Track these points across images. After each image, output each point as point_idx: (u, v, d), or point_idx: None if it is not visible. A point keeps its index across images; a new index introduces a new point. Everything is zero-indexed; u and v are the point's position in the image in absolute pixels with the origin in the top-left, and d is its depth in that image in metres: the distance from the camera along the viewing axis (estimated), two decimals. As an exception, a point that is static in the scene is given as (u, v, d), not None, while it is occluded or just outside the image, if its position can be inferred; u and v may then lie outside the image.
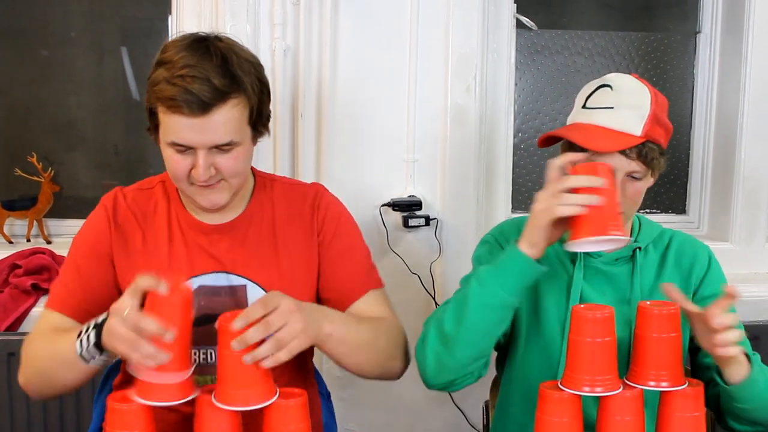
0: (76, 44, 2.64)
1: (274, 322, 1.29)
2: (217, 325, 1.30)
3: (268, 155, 2.34)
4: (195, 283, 1.57)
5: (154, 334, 1.25)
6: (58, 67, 2.63)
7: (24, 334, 2.21)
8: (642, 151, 1.48)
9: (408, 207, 2.36)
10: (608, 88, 1.51)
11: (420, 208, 2.37)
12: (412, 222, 2.36)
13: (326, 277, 1.64)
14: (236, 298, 1.57)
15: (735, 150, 2.57)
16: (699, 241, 1.71)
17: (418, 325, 2.42)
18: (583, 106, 1.54)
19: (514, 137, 2.61)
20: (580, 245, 1.40)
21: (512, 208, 2.63)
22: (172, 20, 2.51)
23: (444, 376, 1.52)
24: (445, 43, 2.35)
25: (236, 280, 1.58)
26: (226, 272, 1.58)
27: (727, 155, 2.62)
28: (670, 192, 2.75)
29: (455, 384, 1.53)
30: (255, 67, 1.48)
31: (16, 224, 2.57)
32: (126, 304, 1.29)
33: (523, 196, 2.68)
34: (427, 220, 2.38)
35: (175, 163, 1.46)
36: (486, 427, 1.80)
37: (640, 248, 1.62)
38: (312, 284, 1.64)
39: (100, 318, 1.37)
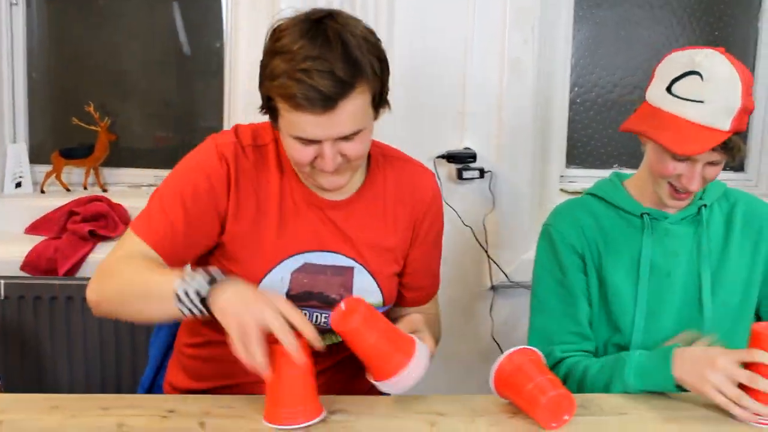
0: (130, -5, 2.68)
1: None
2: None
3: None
4: (301, 259, 1.52)
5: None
6: (112, 18, 2.66)
7: (82, 279, 2.29)
8: (728, 144, 1.46)
9: (462, 159, 2.38)
10: (698, 77, 1.46)
11: (474, 161, 2.38)
12: (467, 174, 2.38)
13: (409, 272, 1.65)
14: (342, 278, 1.55)
15: (796, 109, 2.55)
16: (765, 203, 1.69)
17: (469, 277, 2.48)
18: (669, 90, 1.49)
19: (571, 91, 2.60)
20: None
21: (567, 163, 2.63)
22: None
23: None
24: (502, -6, 2.35)
25: (344, 261, 1.54)
26: (335, 252, 1.54)
27: (789, 113, 2.59)
28: (728, 150, 2.72)
29: None
30: (373, 45, 1.38)
31: (74, 172, 2.63)
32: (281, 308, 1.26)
33: (578, 151, 2.67)
34: (482, 172, 2.39)
35: (298, 152, 1.40)
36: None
37: (705, 205, 1.63)
38: (399, 273, 1.64)
39: (218, 275, 1.31)
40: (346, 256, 1.54)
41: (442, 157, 2.39)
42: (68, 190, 2.59)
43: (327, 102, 1.30)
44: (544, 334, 1.65)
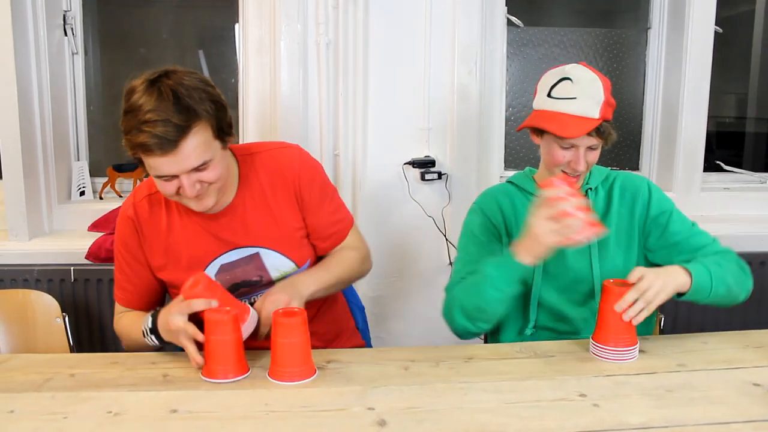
0: (165, 45, 2.64)
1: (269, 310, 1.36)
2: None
3: (315, 128, 2.34)
4: (217, 264, 1.49)
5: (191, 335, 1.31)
6: (152, 63, 2.62)
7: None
8: (600, 129, 1.46)
9: (424, 165, 2.36)
10: (569, 81, 1.46)
11: (434, 166, 2.36)
12: (428, 177, 2.35)
13: (313, 231, 1.56)
14: (254, 263, 1.50)
15: (677, 122, 2.54)
16: (637, 175, 1.65)
17: (432, 259, 2.46)
18: (548, 95, 1.48)
19: (506, 111, 2.59)
20: None
21: (504, 166, 2.61)
22: (238, 27, 2.49)
23: (469, 335, 1.55)
24: (452, 37, 2.32)
25: (249, 251, 1.50)
26: (238, 248, 1.49)
27: (671, 126, 2.59)
28: (627, 153, 2.72)
29: (476, 334, 1.57)
30: (204, 91, 1.31)
31: (124, 183, 2.60)
32: (176, 310, 1.32)
33: (512, 156, 2.66)
34: (439, 175, 2.37)
35: (163, 188, 1.35)
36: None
37: (591, 188, 1.61)
38: (305, 236, 1.56)
39: (150, 316, 1.40)
40: (249, 246, 1.50)
41: (409, 163, 2.37)
42: (120, 196, 2.56)
43: (169, 144, 1.25)
44: (456, 273, 1.62)
